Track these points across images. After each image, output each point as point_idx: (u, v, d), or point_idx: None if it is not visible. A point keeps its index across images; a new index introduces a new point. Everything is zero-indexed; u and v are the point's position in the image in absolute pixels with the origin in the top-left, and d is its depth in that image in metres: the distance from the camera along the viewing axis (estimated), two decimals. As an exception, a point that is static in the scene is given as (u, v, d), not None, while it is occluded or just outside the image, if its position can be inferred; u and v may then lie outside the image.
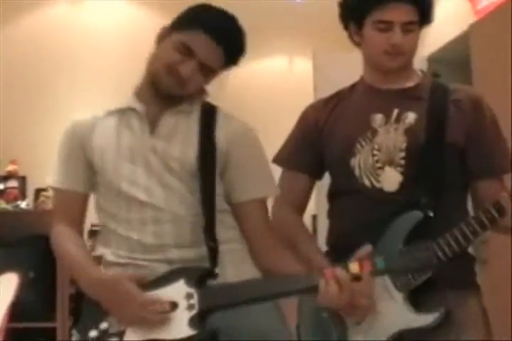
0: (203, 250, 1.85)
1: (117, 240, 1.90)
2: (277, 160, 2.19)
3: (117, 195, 1.89)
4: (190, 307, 1.75)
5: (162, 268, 1.83)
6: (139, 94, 1.94)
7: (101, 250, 1.94)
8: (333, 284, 1.69)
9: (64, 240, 1.92)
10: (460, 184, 2.04)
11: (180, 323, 1.74)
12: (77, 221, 1.98)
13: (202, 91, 1.96)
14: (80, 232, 1.98)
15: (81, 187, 1.97)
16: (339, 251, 2.01)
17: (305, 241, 2.09)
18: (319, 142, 2.11)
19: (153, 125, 1.90)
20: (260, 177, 1.95)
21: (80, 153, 1.95)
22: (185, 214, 1.86)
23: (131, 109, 1.92)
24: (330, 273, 1.70)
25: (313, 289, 1.72)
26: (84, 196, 1.99)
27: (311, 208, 2.66)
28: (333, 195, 2.13)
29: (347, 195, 2.05)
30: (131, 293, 1.74)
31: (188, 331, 1.73)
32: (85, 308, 1.86)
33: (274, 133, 2.74)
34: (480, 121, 2.01)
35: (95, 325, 1.79)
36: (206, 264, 1.84)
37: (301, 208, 2.18)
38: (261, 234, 1.92)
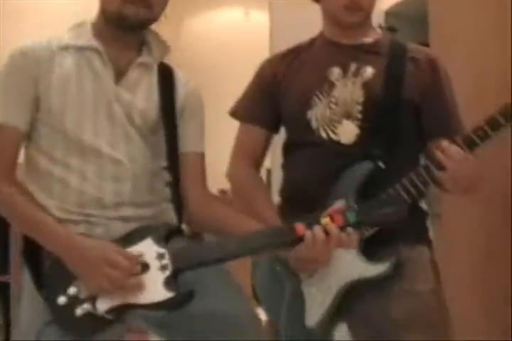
0: (158, 209, 1.84)
1: (65, 191, 1.77)
2: (234, 113, 2.18)
3: (69, 141, 1.77)
4: (163, 267, 1.67)
5: (117, 226, 1.77)
6: (96, 33, 1.85)
7: (42, 198, 1.77)
8: (321, 233, 1.68)
9: (18, 201, 1.73)
10: (414, 139, 2.06)
11: (155, 285, 1.66)
12: (12, 165, 1.78)
13: (164, 45, 1.92)
14: (16, 181, 1.78)
15: (24, 124, 1.77)
16: (293, 202, 2.05)
17: (259, 197, 2.10)
18: (276, 95, 2.10)
19: (118, 73, 1.83)
20: (203, 135, 1.96)
21: (30, 85, 1.77)
22: (144, 171, 1.83)
23: (91, 49, 1.82)
24: (302, 227, 1.69)
25: (293, 242, 1.71)
26: (23, 136, 1.79)
27: (266, 162, 2.66)
28: (288, 148, 2.14)
29: (303, 147, 2.06)
30: (119, 264, 1.64)
31: (165, 293, 1.66)
32: (48, 270, 1.72)
33: (228, 85, 2.72)
34: (436, 82, 2.04)
35: (63, 290, 1.68)
36: (160, 222, 1.82)
37: (259, 162, 2.18)
38: (200, 186, 1.91)
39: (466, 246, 2.68)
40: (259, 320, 1.80)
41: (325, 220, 1.69)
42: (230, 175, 2.16)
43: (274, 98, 2.11)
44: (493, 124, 1.81)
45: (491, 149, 1.87)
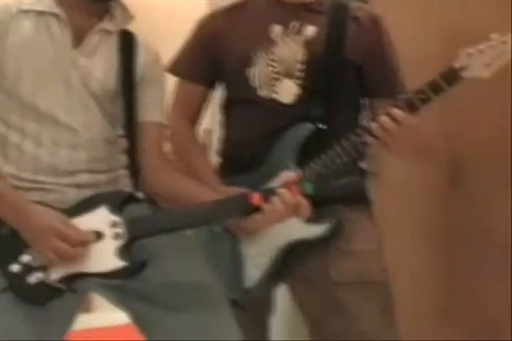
0: (113, 175, 1.82)
1: (21, 157, 1.74)
2: (173, 69, 2.14)
3: (25, 107, 1.73)
4: (117, 236, 1.65)
5: (72, 193, 1.74)
6: None
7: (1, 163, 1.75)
8: (280, 204, 1.68)
9: None
10: (355, 100, 2.06)
11: (108, 254, 1.63)
12: None
13: (127, 13, 1.88)
14: None
15: None
16: (233, 161, 2.05)
17: (197, 155, 2.10)
18: (216, 52, 2.06)
19: (76, 38, 1.78)
20: (162, 103, 1.94)
21: None
22: (101, 139, 1.79)
23: (51, 14, 1.77)
24: (257, 197, 1.68)
25: (249, 212, 1.70)
26: None
27: (206, 123, 2.64)
28: (228, 105, 2.11)
29: (242, 105, 2.03)
30: (60, 232, 1.61)
31: (117, 262, 1.63)
32: (3, 237, 1.68)
33: (167, 45, 2.66)
34: (379, 41, 2.03)
35: (15, 258, 1.65)
36: (116, 188, 1.80)
37: (196, 119, 2.16)
38: (156, 155, 1.88)
39: (408, 204, 2.70)
40: (219, 285, 1.80)
41: (282, 191, 1.68)
42: (171, 136, 2.12)
43: (213, 54, 2.07)
44: (435, 88, 1.79)
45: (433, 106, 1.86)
